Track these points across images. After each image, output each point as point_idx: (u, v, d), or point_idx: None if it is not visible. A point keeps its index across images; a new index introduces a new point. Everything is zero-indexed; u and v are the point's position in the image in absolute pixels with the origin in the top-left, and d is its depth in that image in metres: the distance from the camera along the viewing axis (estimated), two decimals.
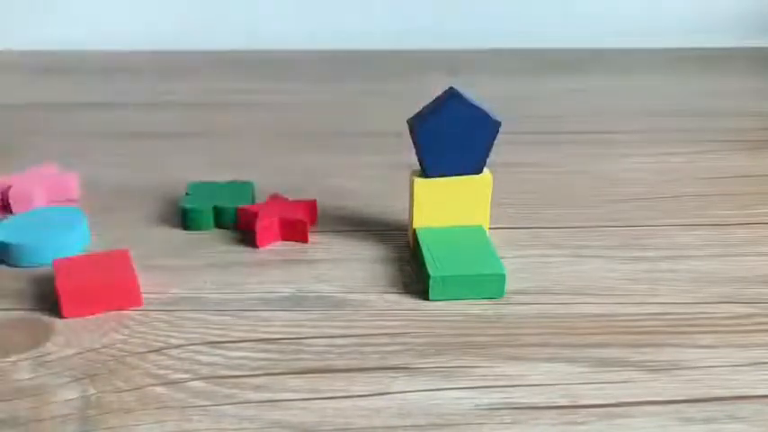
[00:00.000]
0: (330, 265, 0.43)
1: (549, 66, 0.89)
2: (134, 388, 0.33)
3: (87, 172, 0.56)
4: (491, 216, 0.45)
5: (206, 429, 0.31)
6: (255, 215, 0.46)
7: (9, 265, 0.43)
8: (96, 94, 0.80)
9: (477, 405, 0.32)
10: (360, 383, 0.33)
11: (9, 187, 0.51)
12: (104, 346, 0.36)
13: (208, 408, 0.32)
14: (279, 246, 0.46)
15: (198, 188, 0.51)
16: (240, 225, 0.48)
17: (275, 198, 0.49)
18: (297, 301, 0.40)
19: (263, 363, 0.35)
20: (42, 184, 0.52)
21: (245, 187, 0.50)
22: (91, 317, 0.38)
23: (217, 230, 0.48)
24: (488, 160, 0.44)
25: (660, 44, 0.96)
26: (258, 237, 0.45)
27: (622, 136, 0.65)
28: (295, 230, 0.46)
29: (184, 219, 0.48)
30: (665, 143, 0.64)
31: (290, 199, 0.49)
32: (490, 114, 0.42)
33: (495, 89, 0.80)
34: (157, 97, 0.79)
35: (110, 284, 0.38)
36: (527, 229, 0.48)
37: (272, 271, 0.43)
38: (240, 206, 0.47)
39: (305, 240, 0.46)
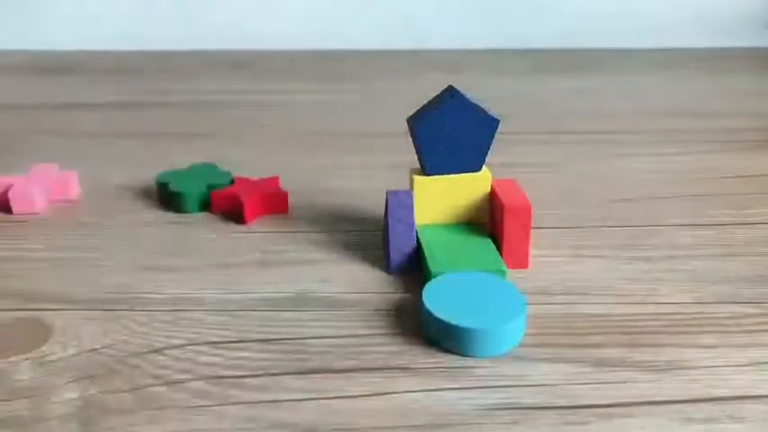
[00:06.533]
0: (330, 265, 0.43)
1: (549, 66, 0.89)
2: (134, 388, 0.33)
3: (87, 172, 0.56)
4: None
5: (206, 429, 0.30)
6: (235, 196, 0.49)
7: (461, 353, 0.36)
8: (96, 93, 0.80)
9: (477, 405, 0.32)
10: (360, 383, 0.33)
11: (9, 187, 0.51)
12: (104, 346, 0.36)
13: (208, 408, 0.32)
14: (279, 245, 0.46)
15: (171, 175, 0.52)
16: (216, 207, 0.50)
17: (242, 179, 0.52)
18: (297, 301, 0.40)
19: (263, 363, 0.35)
20: (42, 184, 0.52)
21: (212, 168, 0.54)
22: (93, 316, 0.38)
23: (202, 215, 0.50)
24: (488, 160, 0.44)
25: (660, 44, 0.96)
26: (246, 214, 0.48)
27: (622, 136, 0.65)
28: (277, 202, 0.50)
29: (178, 202, 0.50)
30: (665, 143, 0.64)
31: (255, 178, 0.52)
32: (489, 112, 0.42)
33: (495, 89, 0.80)
34: (157, 97, 0.79)
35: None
36: None
37: (272, 271, 0.43)
38: (216, 190, 0.50)
39: (285, 211, 0.50)
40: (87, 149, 0.63)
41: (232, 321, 0.38)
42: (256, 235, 0.47)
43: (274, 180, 0.52)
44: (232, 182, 0.52)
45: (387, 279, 0.42)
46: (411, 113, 0.43)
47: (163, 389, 0.33)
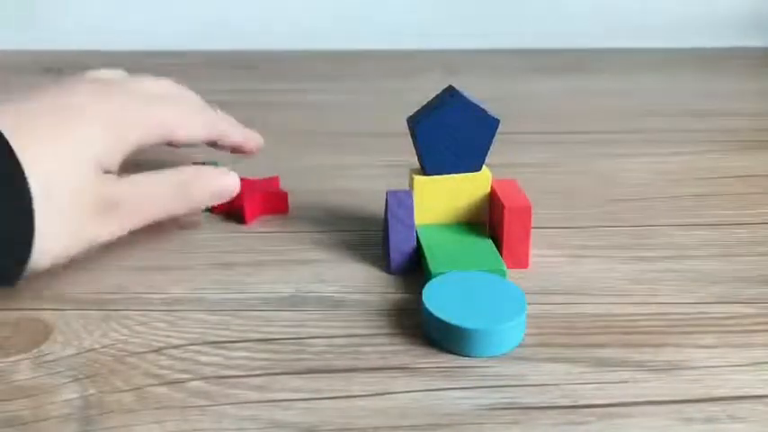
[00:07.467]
0: (330, 265, 0.43)
1: (549, 66, 0.89)
2: (134, 388, 0.33)
3: None
4: None
5: (206, 429, 0.31)
6: (235, 196, 0.48)
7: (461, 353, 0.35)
8: None
9: (477, 405, 0.32)
10: (360, 383, 0.33)
11: None
12: (104, 346, 0.36)
13: (208, 408, 0.32)
14: (279, 245, 0.46)
15: None
16: (216, 207, 0.49)
17: (242, 179, 0.51)
18: (297, 301, 0.40)
19: (263, 363, 0.35)
20: None
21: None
22: (93, 316, 0.38)
23: (202, 215, 0.50)
24: (489, 161, 0.44)
25: (660, 44, 0.96)
26: (246, 214, 0.48)
27: (622, 136, 0.65)
28: (277, 202, 0.50)
29: None
30: (665, 143, 0.64)
31: (255, 178, 0.52)
32: (489, 112, 0.42)
33: (494, 89, 0.80)
34: None
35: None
36: None
37: (271, 271, 0.43)
38: None
39: (285, 211, 0.50)
40: None
41: (232, 321, 0.38)
42: (256, 235, 0.47)
43: (274, 180, 0.52)
44: None
45: (387, 279, 0.42)
46: (411, 113, 0.43)
47: (163, 389, 0.33)
